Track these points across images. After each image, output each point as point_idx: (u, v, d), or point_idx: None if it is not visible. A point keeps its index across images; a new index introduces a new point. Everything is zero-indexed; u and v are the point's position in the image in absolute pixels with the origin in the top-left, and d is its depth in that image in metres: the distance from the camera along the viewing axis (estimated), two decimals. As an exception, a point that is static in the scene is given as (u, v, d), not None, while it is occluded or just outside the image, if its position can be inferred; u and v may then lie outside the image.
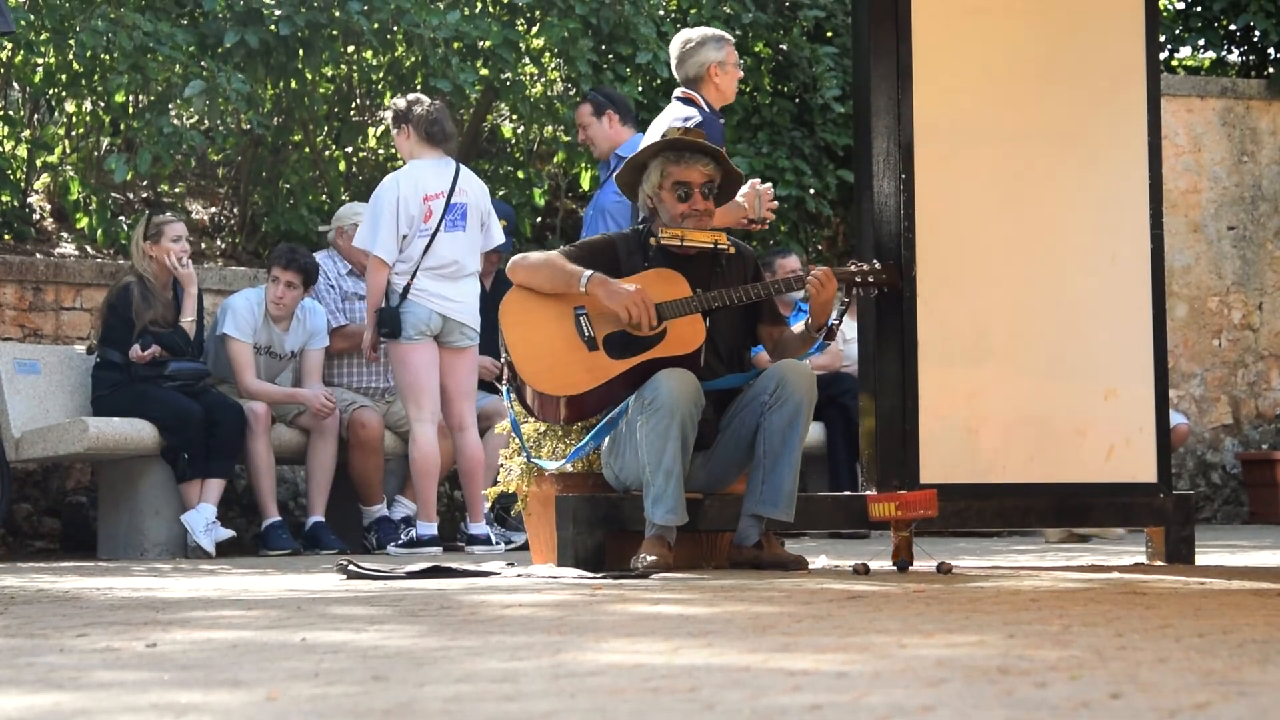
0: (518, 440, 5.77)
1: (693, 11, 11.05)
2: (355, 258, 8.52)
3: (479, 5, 10.39)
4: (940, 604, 3.83)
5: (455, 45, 9.75)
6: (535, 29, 10.64)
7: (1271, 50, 12.58)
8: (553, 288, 5.58)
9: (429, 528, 8.01)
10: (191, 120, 9.83)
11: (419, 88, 10.60)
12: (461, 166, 8.17)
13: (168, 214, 8.51)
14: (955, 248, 5.86)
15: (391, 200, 7.88)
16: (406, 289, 7.89)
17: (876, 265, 5.73)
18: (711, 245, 5.64)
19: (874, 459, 5.81)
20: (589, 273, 5.53)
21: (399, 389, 8.08)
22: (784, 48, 11.36)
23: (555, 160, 10.98)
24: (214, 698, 2.22)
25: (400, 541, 8.03)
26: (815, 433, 9.04)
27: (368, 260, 7.96)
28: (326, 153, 10.41)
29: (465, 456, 8.12)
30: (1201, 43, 12.59)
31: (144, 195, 10.33)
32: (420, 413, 7.95)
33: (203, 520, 7.80)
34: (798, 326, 5.81)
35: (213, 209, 10.59)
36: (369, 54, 10.51)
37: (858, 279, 5.71)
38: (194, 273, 8.19)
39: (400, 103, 8.18)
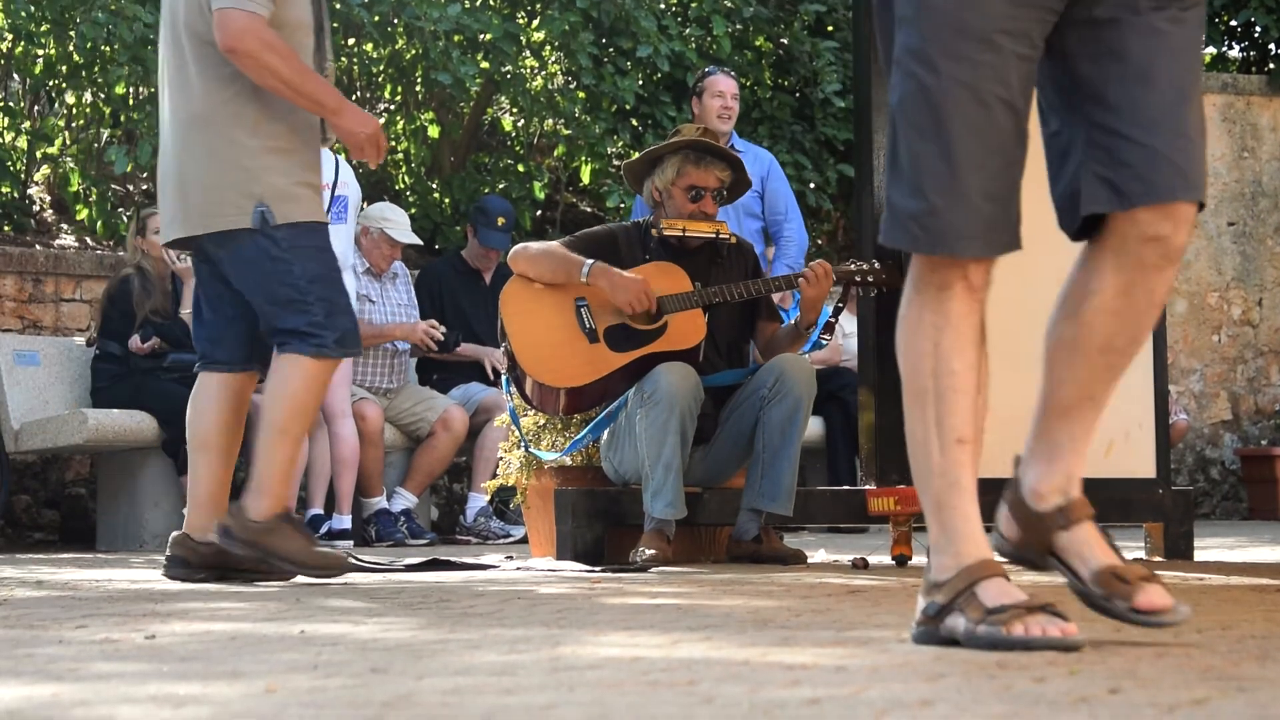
0: (517, 433, 5.78)
1: (694, 5, 11.04)
2: (374, 259, 8.47)
3: (480, -2, 10.38)
4: (939, 599, 3.82)
5: (456, 38, 9.75)
6: (536, 22, 10.64)
7: (1272, 46, 12.58)
8: (554, 277, 5.58)
9: (343, 520, 7.93)
10: (192, 112, 9.82)
11: (419, 81, 10.61)
12: (339, 159, 8.14)
13: (155, 206, 8.50)
14: (955, 243, 5.85)
15: None
16: None
17: (876, 265, 5.72)
18: (713, 235, 5.66)
19: (873, 454, 5.81)
20: (590, 262, 5.52)
21: None
22: (785, 42, 11.35)
23: (555, 154, 10.98)
24: (213, 689, 2.22)
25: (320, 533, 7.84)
26: (814, 427, 9.04)
27: None
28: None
29: (344, 443, 8.02)
30: (1202, 38, 12.58)
31: (144, 187, 10.33)
32: None
33: None
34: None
35: (213, 201, 10.57)
36: (369, 47, 10.51)
37: (857, 278, 5.71)
38: (192, 266, 8.19)
39: None
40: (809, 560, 5.62)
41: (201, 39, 4.70)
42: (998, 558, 2.82)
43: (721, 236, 5.67)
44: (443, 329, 8.45)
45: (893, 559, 5.43)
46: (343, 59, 10.38)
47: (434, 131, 10.81)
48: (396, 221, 8.46)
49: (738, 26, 11.08)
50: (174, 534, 4.85)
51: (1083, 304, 2.89)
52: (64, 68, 9.75)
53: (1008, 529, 2.88)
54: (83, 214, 9.74)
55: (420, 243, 8.96)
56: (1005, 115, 2.74)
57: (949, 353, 2.89)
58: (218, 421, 4.82)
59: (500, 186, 10.45)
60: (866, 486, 5.75)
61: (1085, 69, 2.78)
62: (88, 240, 9.71)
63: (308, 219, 4.71)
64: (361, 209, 8.33)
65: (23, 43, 9.68)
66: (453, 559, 5.60)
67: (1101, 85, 2.77)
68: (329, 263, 4.76)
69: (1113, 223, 2.82)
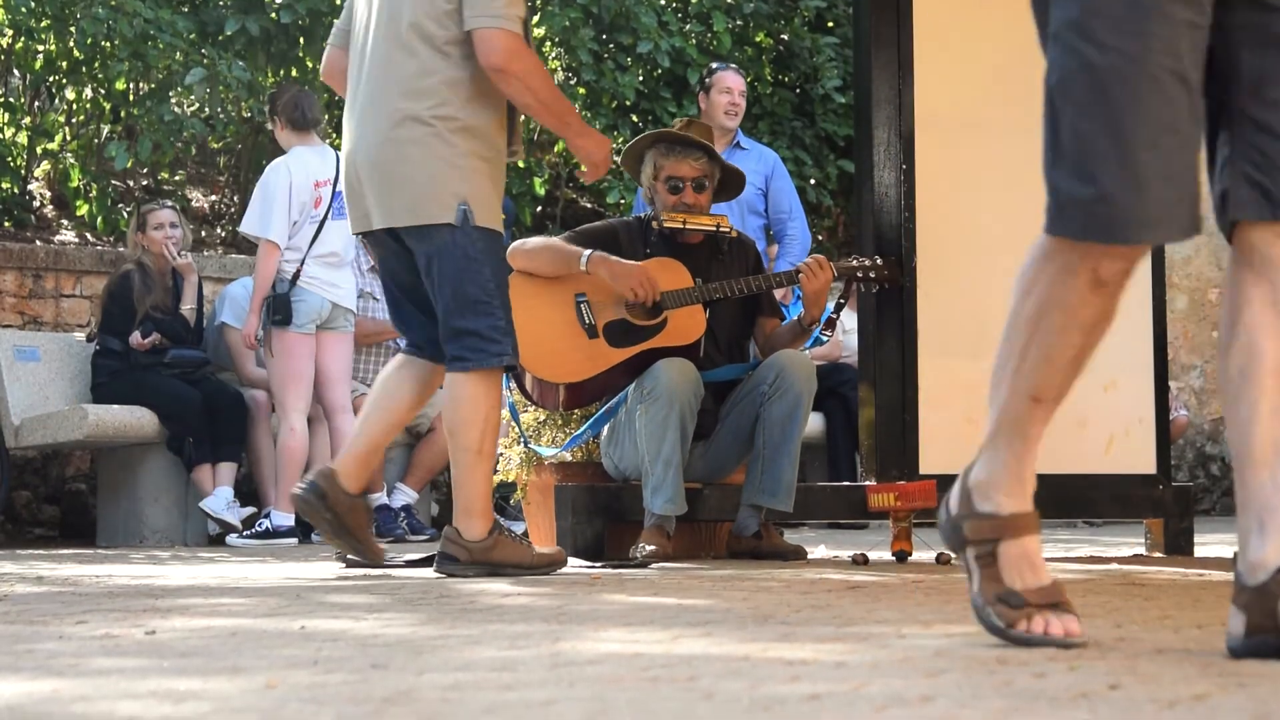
0: (517, 429, 5.78)
1: (694, 1, 11.03)
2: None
3: (480, -6, 10.38)
4: (939, 594, 3.83)
5: (456, 34, 9.73)
6: (536, 18, 10.63)
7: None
8: (553, 270, 5.57)
9: (287, 518, 7.83)
10: (192, 108, 9.83)
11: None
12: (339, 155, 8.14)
13: (155, 202, 8.51)
14: (955, 238, 5.86)
15: (284, 185, 7.83)
16: (296, 275, 7.86)
17: (877, 261, 5.72)
18: (714, 228, 5.66)
19: (873, 450, 5.81)
20: (589, 251, 5.52)
21: (274, 377, 7.90)
22: (785, 38, 11.35)
23: (555, 149, 10.98)
24: (213, 685, 2.22)
25: (253, 531, 7.79)
26: (815, 423, 9.05)
27: (258, 245, 7.91)
28: (327, 141, 10.40)
29: (344, 439, 7.98)
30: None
31: (144, 183, 10.33)
32: (297, 403, 7.85)
33: (222, 502, 7.82)
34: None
35: (213, 197, 10.59)
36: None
37: (858, 274, 5.72)
38: (192, 262, 8.20)
39: (273, 94, 8.24)
40: (809, 556, 5.62)
41: (432, 43, 4.71)
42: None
43: (722, 230, 5.67)
44: None
45: (893, 555, 5.43)
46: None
47: (434, 127, 10.79)
48: None
49: (738, 22, 11.08)
50: (322, 467, 4.93)
51: (1237, 325, 2.58)
52: (64, 63, 9.75)
53: (1234, 624, 2.51)
54: (83, 209, 9.74)
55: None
56: (1177, 89, 2.49)
57: (1050, 330, 2.68)
58: (410, 401, 4.92)
59: (500, 182, 10.44)
60: (867, 482, 5.75)
61: (1246, 56, 2.55)
62: (88, 236, 9.71)
63: (496, 227, 4.76)
64: None
65: (23, 38, 9.68)
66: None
67: (1264, 77, 2.54)
68: (508, 274, 4.86)
69: (1244, 227, 2.58)
